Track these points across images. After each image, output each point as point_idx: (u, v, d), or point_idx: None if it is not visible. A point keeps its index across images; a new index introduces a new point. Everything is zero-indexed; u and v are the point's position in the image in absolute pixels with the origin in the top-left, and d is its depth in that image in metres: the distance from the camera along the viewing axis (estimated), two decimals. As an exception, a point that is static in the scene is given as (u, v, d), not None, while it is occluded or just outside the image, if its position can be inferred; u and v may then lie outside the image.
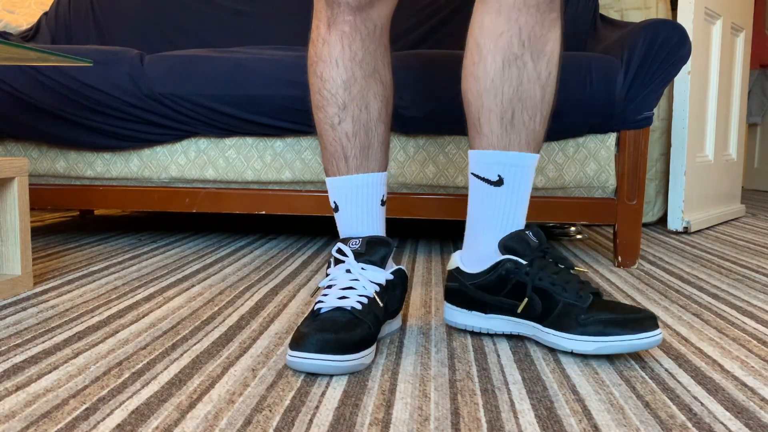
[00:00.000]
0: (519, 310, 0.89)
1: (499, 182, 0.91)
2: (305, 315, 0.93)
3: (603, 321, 0.83)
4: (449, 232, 1.98)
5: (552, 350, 0.89)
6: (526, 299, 0.88)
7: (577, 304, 0.85)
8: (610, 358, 0.86)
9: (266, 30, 2.02)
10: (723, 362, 0.85)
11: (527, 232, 0.91)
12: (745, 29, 2.37)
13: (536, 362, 0.84)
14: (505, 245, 0.90)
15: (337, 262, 0.90)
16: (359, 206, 0.93)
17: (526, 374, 0.80)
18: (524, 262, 0.89)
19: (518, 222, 0.93)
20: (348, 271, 0.88)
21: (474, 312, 0.93)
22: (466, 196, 1.50)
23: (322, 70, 0.90)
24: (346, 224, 0.94)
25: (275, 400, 0.71)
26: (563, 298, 0.86)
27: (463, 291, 0.93)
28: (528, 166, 0.91)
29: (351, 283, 0.86)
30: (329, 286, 0.87)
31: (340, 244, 0.90)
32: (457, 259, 0.96)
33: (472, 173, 0.94)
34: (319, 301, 0.85)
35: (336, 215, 0.95)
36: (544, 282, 0.88)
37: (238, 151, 1.55)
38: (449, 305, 0.96)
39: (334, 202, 0.94)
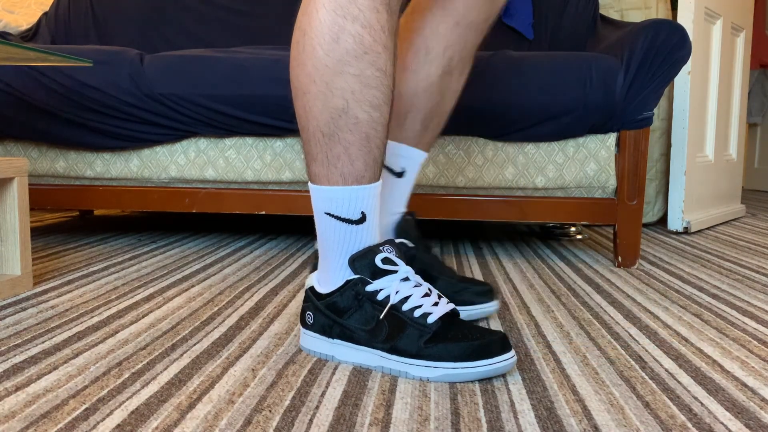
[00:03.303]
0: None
1: (401, 174, 0.97)
2: (406, 330, 0.80)
3: (473, 291, 1.02)
4: (449, 232, 1.98)
5: (552, 350, 0.89)
6: None
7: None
8: (611, 359, 0.86)
9: (266, 30, 2.02)
10: (723, 362, 0.85)
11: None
12: (745, 29, 2.37)
13: (536, 362, 0.84)
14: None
15: (382, 273, 0.83)
16: (378, 212, 0.86)
17: (526, 374, 0.80)
18: None
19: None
20: (407, 279, 0.83)
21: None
22: (466, 196, 1.50)
23: (386, 64, 0.80)
24: (372, 232, 0.84)
25: (275, 400, 0.71)
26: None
27: None
28: (421, 164, 1.00)
29: (424, 290, 0.83)
30: (406, 298, 0.82)
31: (388, 255, 0.83)
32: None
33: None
34: (424, 313, 0.80)
35: (356, 228, 0.83)
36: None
37: (238, 151, 1.55)
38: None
39: (362, 213, 0.83)
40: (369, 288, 0.82)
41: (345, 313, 0.83)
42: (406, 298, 0.81)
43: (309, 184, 0.85)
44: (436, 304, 0.82)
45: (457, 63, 0.94)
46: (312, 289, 0.87)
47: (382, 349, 0.80)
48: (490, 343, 0.78)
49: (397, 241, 0.96)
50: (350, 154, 0.81)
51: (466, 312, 1.00)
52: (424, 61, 0.92)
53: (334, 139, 0.80)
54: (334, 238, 0.84)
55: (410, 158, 0.95)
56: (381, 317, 0.81)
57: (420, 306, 0.81)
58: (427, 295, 0.83)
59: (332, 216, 0.83)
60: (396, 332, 0.80)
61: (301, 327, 0.89)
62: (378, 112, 0.81)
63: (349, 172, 0.81)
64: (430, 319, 0.79)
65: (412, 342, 0.79)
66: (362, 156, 0.81)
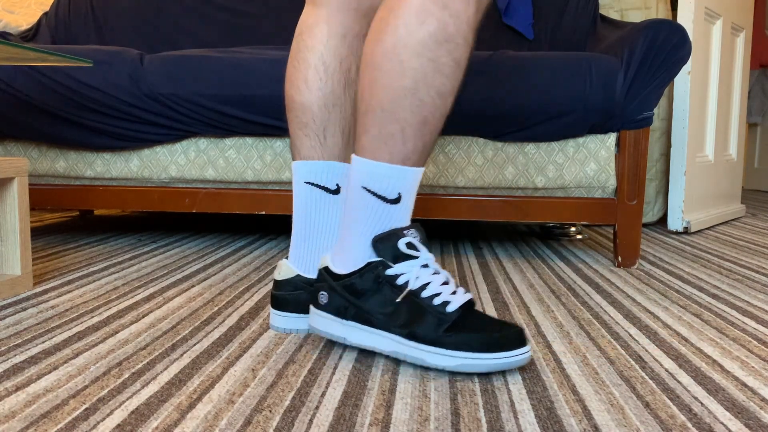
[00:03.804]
0: None
1: (336, 191, 0.96)
2: (424, 319, 0.81)
3: None
4: (449, 232, 1.98)
5: (552, 349, 0.89)
6: None
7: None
8: (611, 359, 0.86)
9: (266, 30, 2.02)
10: (723, 362, 0.85)
11: None
12: (745, 29, 2.37)
13: (536, 362, 0.84)
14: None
15: (404, 257, 0.83)
16: (413, 198, 0.89)
17: (526, 374, 0.80)
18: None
19: None
20: (426, 266, 0.84)
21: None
22: (466, 195, 1.50)
23: (462, 57, 0.82)
24: (403, 215, 0.85)
25: (275, 400, 0.71)
26: None
27: None
28: None
29: (443, 278, 0.84)
30: (425, 285, 0.83)
31: (411, 240, 0.84)
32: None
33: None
34: (444, 301, 0.81)
35: (389, 207, 0.84)
36: None
37: (238, 151, 1.55)
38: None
39: (399, 194, 0.84)
40: (389, 272, 0.82)
41: (363, 295, 0.83)
42: (425, 285, 0.82)
43: (353, 155, 0.85)
44: (454, 293, 0.83)
45: (356, 74, 0.96)
46: (327, 269, 0.87)
47: (399, 334, 0.81)
48: (509, 336, 0.79)
49: None
50: (404, 134, 0.82)
51: None
52: (325, 77, 0.94)
53: (392, 117, 0.81)
54: (364, 214, 0.84)
55: (342, 174, 0.96)
56: (398, 300, 0.81)
57: (439, 294, 0.82)
58: (445, 283, 0.83)
59: (369, 191, 0.83)
60: (415, 318, 0.81)
61: (311, 307, 0.88)
62: (441, 100, 0.82)
63: (399, 151, 0.82)
64: (450, 308, 0.80)
65: (430, 330, 0.79)
66: (414, 138, 0.82)
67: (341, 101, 0.95)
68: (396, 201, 0.84)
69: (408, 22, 0.79)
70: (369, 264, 0.83)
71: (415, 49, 0.79)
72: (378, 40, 0.82)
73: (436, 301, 0.81)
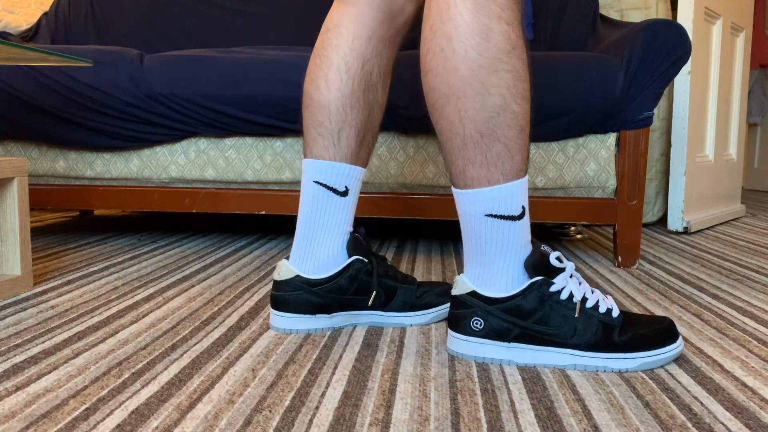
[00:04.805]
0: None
1: (345, 193, 0.97)
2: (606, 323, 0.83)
3: (434, 293, 1.01)
4: (449, 232, 1.98)
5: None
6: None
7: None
8: (610, 358, 0.86)
9: (266, 30, 2.02)
10: (723, 362, 0.85)
11: None
12: (745, 29, 2.37)
13: (536, 362, 0.84)
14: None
15: (555, 269, 0.84)
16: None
17: (526, 374, 0.80)
18: None
19: None
20: (571, 275, 0.86)
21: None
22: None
23: (526, 56, 0.85)
24: (526, 230, 0.85)
25: (275, 400, 0.71)
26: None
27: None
28: (361, 180, 1.01)
29: (586, 284, 0.86)
30: (585, 297, 0.85)
31: (559, 254, 0.85)
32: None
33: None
34: (607, 309, 0.84)
35: (517, 224, 0.84)
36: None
37: (238, 151, 1.55)
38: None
39: (522, 207, 0.84)
40: (553, 288, 0.83)
41: (531, 316, 0.83)
42: (585, 296, 0.84)
43: (461, 191, 0.84)
44: (604, 297, 0.86)
45: (377, 77, 0.96)
46: (475, 293, 0.85)
47: (577, 347, 0.82)
48: (670, 327, 0.84)
49: (353, 258, 0.96)
50: (510, 150, 0.82)
51: (433, 314, 1.01)
52: (346, 77, 0.94)
53: (493, 138, 0.81)
54: (495, 239, 0.84)
55: (351, 176, 0.97)
56: (576, 316, 0.83)
57: (597, 301, 0.84)
58: (591, 291, 0.86)
59: (494, 216, 0.83)
60: (586, 330, 0.82)
61: (457, 334, 0.86)
62: (527, 104, 0.83)
63: (510, 168, 0.82)
64: (615, 314, 0.83)
65: (605, 337, 0.82)
66: (519, 150, 0.83)
67: (359, 103, 0.95)
68: (521, 216, 0.84)
69: (474, 44, 0.79)
70: (533, 283, 0.83)
71: (491, 66, 0.79)
72: (450, 71, 0.81)
73: (601, 309, 0.84)
